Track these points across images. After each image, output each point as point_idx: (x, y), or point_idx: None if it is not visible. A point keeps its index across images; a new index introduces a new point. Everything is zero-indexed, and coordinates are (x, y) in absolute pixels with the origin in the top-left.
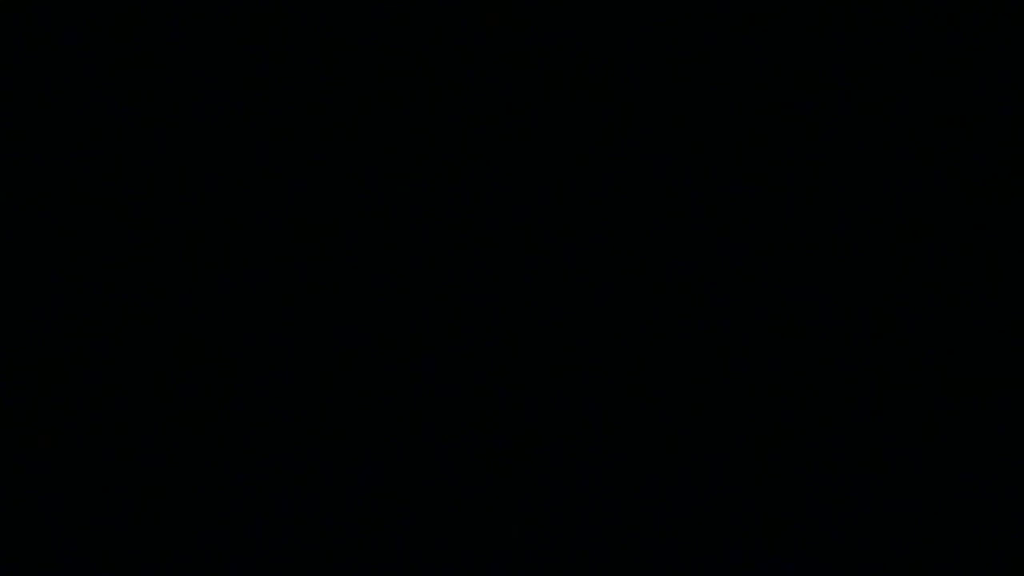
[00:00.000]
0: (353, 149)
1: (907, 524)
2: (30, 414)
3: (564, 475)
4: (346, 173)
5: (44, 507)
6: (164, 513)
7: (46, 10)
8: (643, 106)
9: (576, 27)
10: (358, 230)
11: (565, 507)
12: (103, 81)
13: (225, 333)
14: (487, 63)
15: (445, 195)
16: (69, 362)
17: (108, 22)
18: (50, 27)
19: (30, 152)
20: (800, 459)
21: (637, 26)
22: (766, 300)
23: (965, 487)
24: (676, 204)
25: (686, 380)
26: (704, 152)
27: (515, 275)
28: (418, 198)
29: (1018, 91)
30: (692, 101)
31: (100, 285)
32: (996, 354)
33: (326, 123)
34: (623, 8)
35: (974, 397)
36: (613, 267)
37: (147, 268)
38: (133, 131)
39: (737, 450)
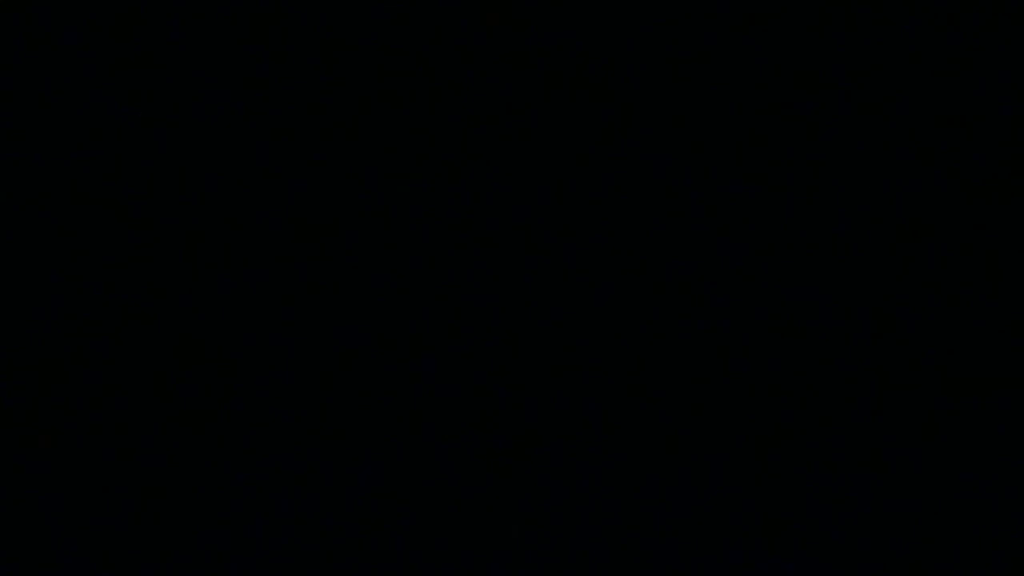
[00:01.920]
0: (353, 149)
1: (907, 524)
2: (30, 414)
3: (564, 475)
4: (346, 173)
5: (44, 507)
6: (164, 513)
7: (46, 10)
8: (643, 106)
9: (576, 27)
10: (358, 230)
11: (565, 507)
12: (103, 81)
13: (225, 333)
14: (487, 63)
15: (445, 195)
16: (69, 362)
17: (108, 22)
18: (50, 27)
19: (30, 152)
20: (800, 459)
21: (637, 26)
22: (766, 300)
23: (965, 487)
24: (676, 204)
25: (686, 380)
26: (704, 152)
27: (515, 275)
28: (418, 198)
29: (1018, 91)
30: (692, 101)
31: (100, 285)
32: (996, 354)
33: (326, 123)
34: (623, 8)
35: (974, 397)
36: (613, 267)
37: (147, 268)
38: (133, 131)
39: (737, 450)
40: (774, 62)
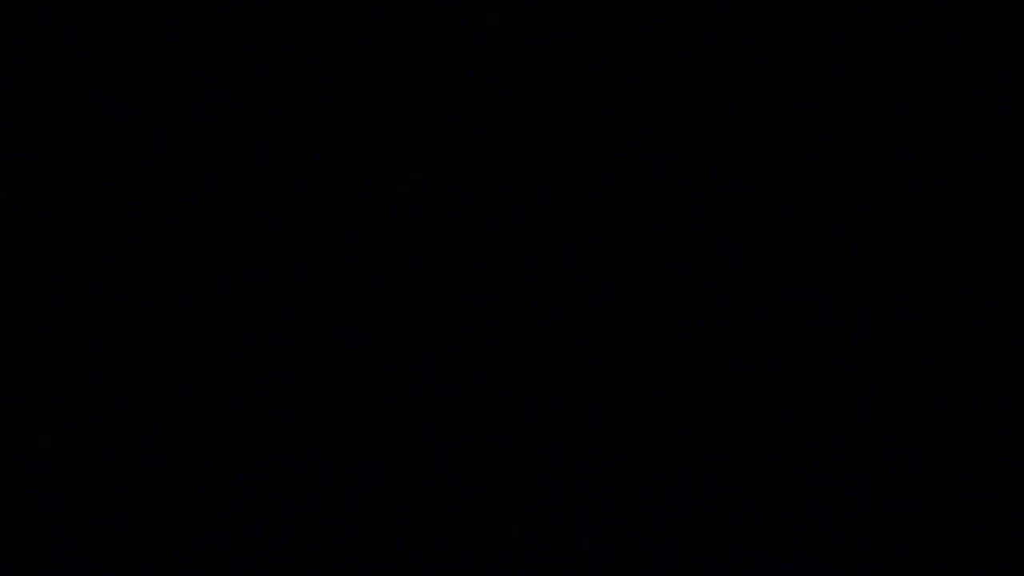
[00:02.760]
0: (353, 149)
1: (907, 524)
2: (30, 414)
3: (564, 475)
4: (346, 173)
5: (44, 507)
6: (164, 513)
7: (46, 10)
8: (643, 106)
9: (576, 27)
10: (358, 230)
11: (565, 507)
12: (103, 81)
13: (225, 333)
14: (487, 63)
15: (445, 195)
16: (69, 362)
17: (108, 22)
18: (50, 27)
19: (30, 152)
20: (800, 459)
21: (637, 26)
22: (766, 300)
23: (965, 487)
24: (676, 204)
25: (686, 380)
26: (704, 152)
27: (515, 275)
28: (418, 198)
29: (1018, 91)
30: (692, 101)
31: (100, 285)
32: (996, 354)
33: (326, 123)
34: (623, 8)
35: (974, 397)
36: (613, 267)
37: (147, 268)
38: (133, 131)
39: (737, 450)
40: (774, 62)
